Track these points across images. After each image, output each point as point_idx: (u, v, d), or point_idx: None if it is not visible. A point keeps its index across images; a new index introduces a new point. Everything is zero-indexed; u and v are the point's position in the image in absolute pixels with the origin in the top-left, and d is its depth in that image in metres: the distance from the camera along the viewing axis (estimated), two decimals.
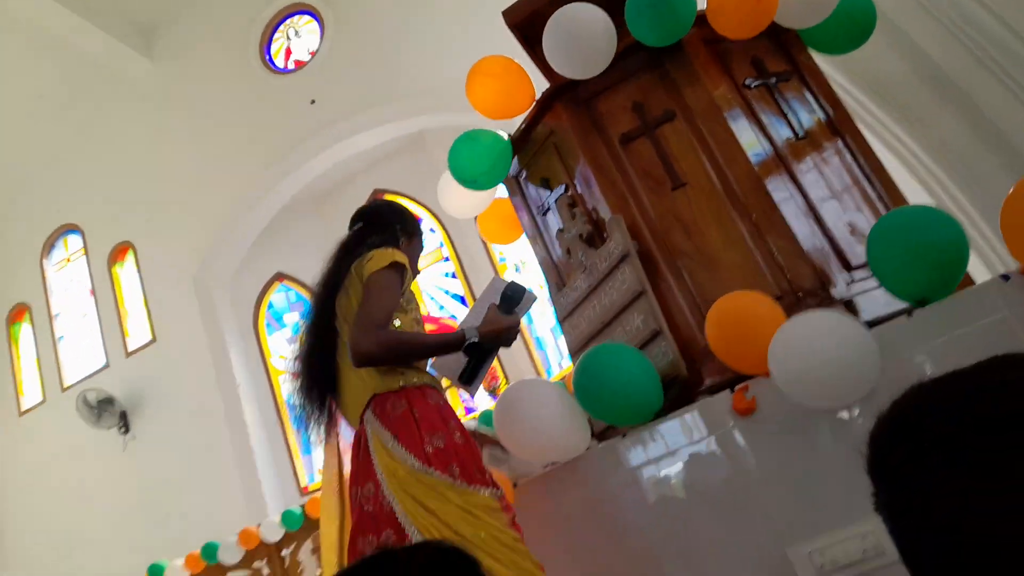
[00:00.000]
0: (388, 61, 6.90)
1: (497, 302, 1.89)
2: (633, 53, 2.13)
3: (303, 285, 7.84)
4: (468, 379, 1.85)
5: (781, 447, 1.72)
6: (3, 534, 8.02)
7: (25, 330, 8.84)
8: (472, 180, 2.31)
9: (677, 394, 1.89)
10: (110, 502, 7.39)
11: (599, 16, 2.06)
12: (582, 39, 2.07)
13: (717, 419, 1.80)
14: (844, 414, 1.68)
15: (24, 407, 8.48)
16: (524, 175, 2.47)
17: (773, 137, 2.11)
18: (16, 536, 7.96)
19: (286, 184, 7.43)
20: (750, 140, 2.06)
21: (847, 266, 2.00)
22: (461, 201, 2.61)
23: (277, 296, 8.03)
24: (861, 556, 1.58)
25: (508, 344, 1.83)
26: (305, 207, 7.75)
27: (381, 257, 1.83)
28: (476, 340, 1.77)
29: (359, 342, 1.70)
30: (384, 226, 2.05)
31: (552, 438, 1.95)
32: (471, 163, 2.29)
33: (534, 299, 1.96)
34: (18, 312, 8.89)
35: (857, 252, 2.01)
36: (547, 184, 2.37)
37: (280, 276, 7.97)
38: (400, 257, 1.84)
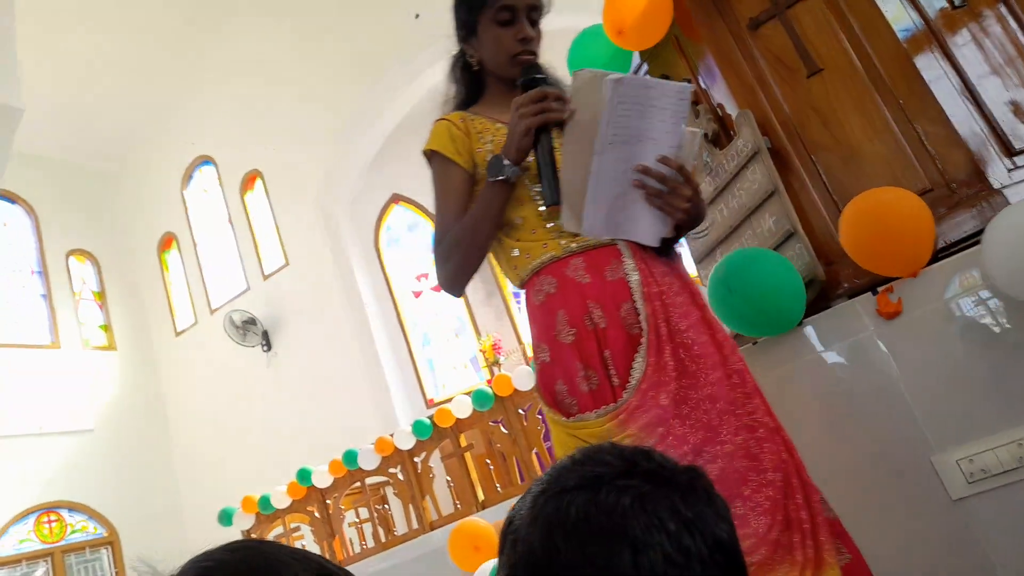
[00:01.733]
0: None
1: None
2: None
3: (419, 207, 8.02)
4: (552, 199, 1.27)
5: (926, 351, 1.60)
6: (171, 440, 9.00)
7: (174, 257, 9.63)
8: None
9: (813, 298, 1.79)
10: (259, 413, 8.09)
11: None
12: None
13: (857, 323, 1.69)
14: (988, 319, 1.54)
15: (179, 328, 9.33)
16: (643, 72, 2.34)
17: (923, 7, 1.87)
18: (185, 443, 8.90)
19: (396, 103, 7.51)
20: (897, 12, 1.84)
21: (1009, 151, 1.79)
22: None
23: (394, 217, 8.27)
24: (1018, 463, 1.47)
25: (526, 145, 1.27)
26: (418, 126, 7.78)
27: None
28: (504, 174, 1.27)
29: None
30: (452, 65, 1.56)
31: None
32: (592, 57, 2.18)
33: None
34: (167, 241, 9.67)
35: (1021, 134, 1.79)
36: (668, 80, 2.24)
37: (396, 198, 8.19)
38: (433, 138, 1.42)
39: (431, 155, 1.42)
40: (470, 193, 1.39)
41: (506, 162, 1.27)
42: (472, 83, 1.52)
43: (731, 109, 2.00)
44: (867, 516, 1.62)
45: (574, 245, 1.31)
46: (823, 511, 1.20)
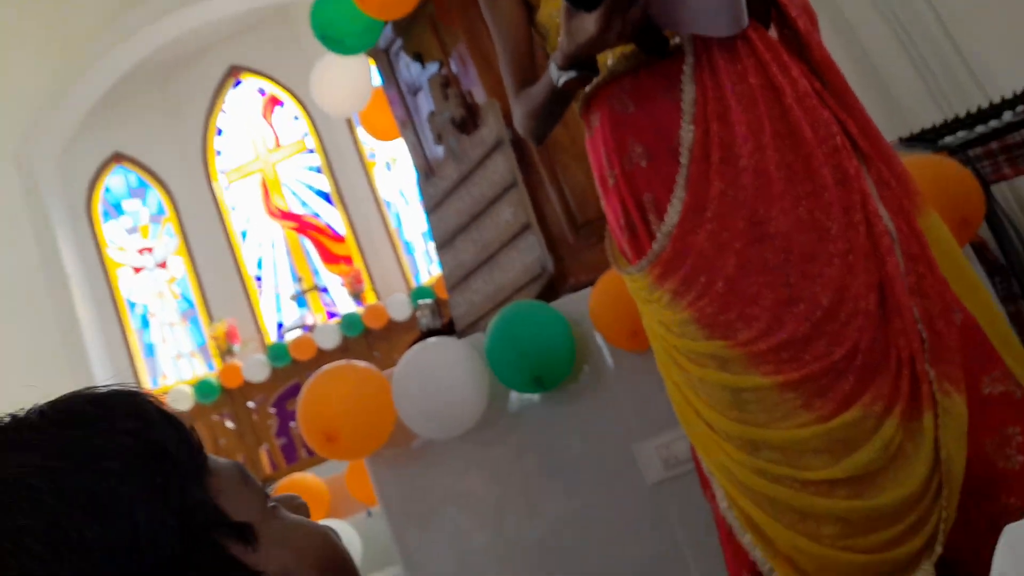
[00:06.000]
0: None
1: None
2: None
3: (145, 169, 7.13)
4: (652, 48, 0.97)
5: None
6: None
7: None
8: (338, 41, 2.06)
9: (542, 289, 1.85)
10: None
11: None
12: None
13: (579, 317, 1.77)
14: None
15: None
16: (396, 47, 2.25)
17: None
18: None
19: (124, 50, 6.58)
20: None
21: None
22: (337, 95, 2.37)
23: (115, 179, 7.24)
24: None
25: (609, 41, 0.92)
26: (150, 80, 6.95)
27: None
28: (565, 75, 0.97)
29: None
30: None
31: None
32: (339, 20, 2.03)
33: None
34: None
35: None
36: (420, 60, 2.18)
37: (118, 157, 7.16)
38: None
39: None
40: (527, 25, 1.13)
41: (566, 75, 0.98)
42: None
43: (480, 97, 2.00)
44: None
45: (621, 66, 1.03)
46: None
